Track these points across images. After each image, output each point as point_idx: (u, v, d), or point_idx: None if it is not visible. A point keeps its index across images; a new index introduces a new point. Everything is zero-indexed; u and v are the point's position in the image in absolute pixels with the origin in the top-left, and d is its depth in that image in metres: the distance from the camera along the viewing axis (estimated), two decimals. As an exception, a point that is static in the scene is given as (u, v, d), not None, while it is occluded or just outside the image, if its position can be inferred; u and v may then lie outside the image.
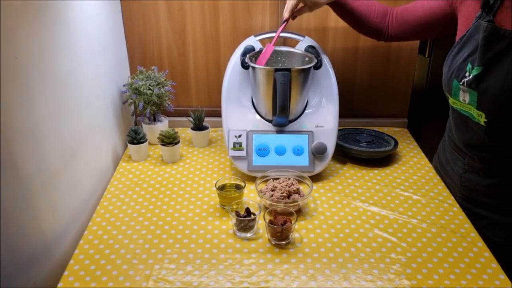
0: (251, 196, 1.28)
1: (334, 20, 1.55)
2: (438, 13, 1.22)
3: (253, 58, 1.37)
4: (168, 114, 1.60)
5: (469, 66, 1.09)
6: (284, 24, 1.31)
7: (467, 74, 1.09)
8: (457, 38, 1.17)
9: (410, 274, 1.01)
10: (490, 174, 1.19)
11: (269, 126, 1.38)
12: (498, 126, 1.09)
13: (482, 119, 1.10)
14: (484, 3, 1.07)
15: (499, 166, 1.17)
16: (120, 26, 1.55)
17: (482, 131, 1.12)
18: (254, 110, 1.40)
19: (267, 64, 1.31)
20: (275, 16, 1.54)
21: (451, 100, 1.19)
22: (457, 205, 1.25)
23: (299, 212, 1.21)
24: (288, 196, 1.21)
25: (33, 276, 0.97)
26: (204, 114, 1.54)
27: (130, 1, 1.53)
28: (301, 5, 1.29)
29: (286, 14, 1.29)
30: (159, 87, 1.48)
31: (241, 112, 1.39)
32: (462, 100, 1.13)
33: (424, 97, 1.78)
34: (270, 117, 1.37)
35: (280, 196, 1.20)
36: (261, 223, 1.15)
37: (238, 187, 1.25)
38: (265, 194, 1.22)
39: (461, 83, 1.11)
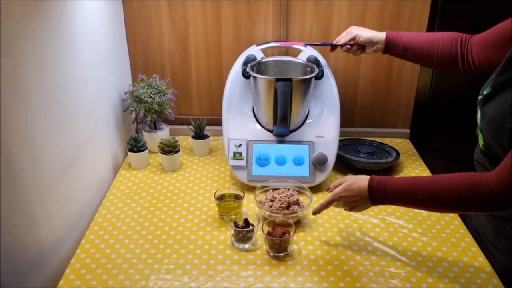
0: (250, 207, 1.27)
1: (336, 29, 1.54)
2: None
3: (254, 68, 1.37)
4: (169, 122, 1.60)
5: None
6: (331, 45, 1.34)
7: (484, 92, 1.03)
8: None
9: (409, 289, 1.00)
10: None
11: (269, 136, 1.37)
12: (492, 154, 1.03)
13: (481, 142, 1.05)
14: None
15: None
16: (122, 34, 1.55)
17: (482, 155, 1.07)
18: (254, 120, 1.40)
19: (267, 73, 1.31)
20: (277, 26, 1.54)
21: None
22: (459, 218, 1.24)
23: (298, 223, 1.20)
24: (287, 207, 1.20)
25: (29, 285, 0.97)
26: (205, 123, 1.53)
27: (133, 9, 1.54)
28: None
29: (341, 41, 1.31)
30: (160, 95, 1.47)
31: (241, 122, 1.39)
32: (478, 117, 1.06)
33: (427, 108, 1.77)
34: (270, 127, 1.37)
35: (279, 207, 1.19)
36: (259, 234, 1.13)
37: (237, 197, 1.24)
38: (264, 205, 1.21)
39: (478, 99, 1.06)
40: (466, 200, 0.91)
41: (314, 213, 1.14)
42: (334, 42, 1.34)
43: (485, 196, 0.88)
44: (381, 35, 1.27)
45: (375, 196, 1.01)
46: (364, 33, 1.28)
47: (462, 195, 0.91)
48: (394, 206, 1.28)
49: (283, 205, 1.19)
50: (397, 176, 1.44)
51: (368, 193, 1.01)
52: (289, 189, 1.26)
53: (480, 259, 1.09)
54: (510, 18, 1.06)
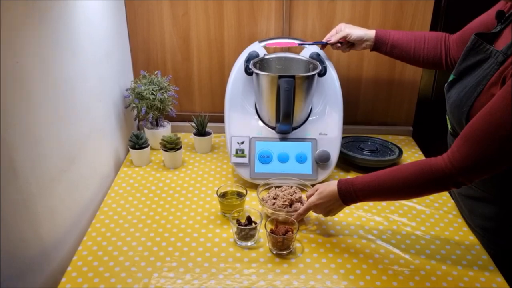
0: (253, 204, 1.27)
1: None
2: (491, 27, 1.08)
3: (257, 64, 1.36)
4: (170, 119, 1.59)
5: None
6: (321, 43, 1.36)
7: (449, 79, 1.09)
8: None
9: (413, 287, 0.99)
10: None
11: (272, 133, 1.36)
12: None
13: (449, 125, 1.10)
14: (497, 14, 1.03)
15: None
16: (124, 30, 1.54)
17: (452, 137, 1.10)
18: (257, 117, 1.39)
19: (269, 70, 1.30)
20: (280, 22, 1.53)
21: None
22: (461, 216, 1.23)
23: (301, 221, 1.20)
24: (290, 205, 1.19)
25: (31, 283, 0.96)
26: (207, 120, 1.52)
27: (135, 5, 1.53)
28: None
29: (333, 39, 1.32)
30: (162, 92, 1.47)
31: (244, 119, 1.38)
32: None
33: (430, 106, 1.76)
34: (273, 124, 1.36)
35: (282, 204, 1.18)
36: (262, 232, 1.13)
37: (240, 195, 1.24)
38: (267, 202, 1.20)
39: (444, 86, 1.11)
40: (424, 184, 0.97)
41: None
42: (325, 41, 1.35)
43: (441, 177, 0.94)
44: (371, 33, 1.29)
45: (346, 197, 1.07)
46: (355, 31, 1.29)
47: (419, 180, 0.97)
48: (397, 204, 1.28)
49: (286, 203, 1.19)
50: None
51: (338, 195, 1.08)
52: (291, 187, 1.25)
53: (484, 257, 1.08)
54: (482, 14, 1.13)
